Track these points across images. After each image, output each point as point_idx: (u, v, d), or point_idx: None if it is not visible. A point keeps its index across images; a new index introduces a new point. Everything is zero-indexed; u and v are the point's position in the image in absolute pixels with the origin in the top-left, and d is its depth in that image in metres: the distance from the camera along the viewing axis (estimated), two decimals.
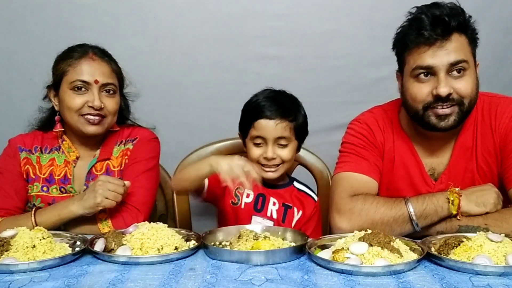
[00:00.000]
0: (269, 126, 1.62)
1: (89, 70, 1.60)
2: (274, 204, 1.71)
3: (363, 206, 1.47)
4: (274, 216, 1.69)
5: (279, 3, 2.26)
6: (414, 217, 1.43)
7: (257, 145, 1.65)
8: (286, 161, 1.66)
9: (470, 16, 1.48)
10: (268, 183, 1.72)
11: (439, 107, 1.45)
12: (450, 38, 1.42)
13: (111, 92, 1.64)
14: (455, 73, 1.44)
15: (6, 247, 1.22)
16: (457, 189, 1.45)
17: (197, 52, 2.28)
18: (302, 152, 1.99)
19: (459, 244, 1.24)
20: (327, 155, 2.01)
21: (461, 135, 1.56)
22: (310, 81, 2.30)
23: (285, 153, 1.65)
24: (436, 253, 1.25)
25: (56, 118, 1.68)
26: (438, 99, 1.44)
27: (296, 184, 1.78)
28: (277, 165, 1.65)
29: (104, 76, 1.62)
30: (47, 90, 1.69)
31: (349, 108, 2.27)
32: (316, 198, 1.77)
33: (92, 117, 1.60)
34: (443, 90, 1.42)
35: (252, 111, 1.66)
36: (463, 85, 1.44)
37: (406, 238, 1.35)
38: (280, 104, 1.65)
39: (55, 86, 1.65)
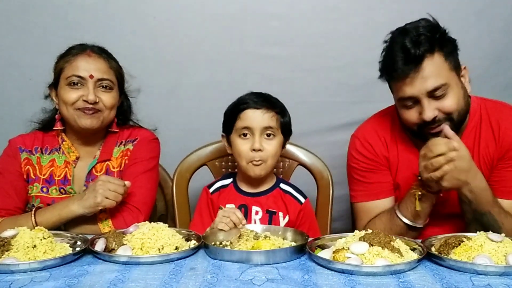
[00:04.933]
0: (256, 116, 1.62)
1: (84, 66, 1.61)
2: (256, 213, 1.69)
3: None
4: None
5: (279, 3, 2.26)
6: (408, 222, 1.52)
7: (244, 136, 1.63)
8: (270, 157, 1.64)
9: (442, 31, 1.49)
10: (250, 192, 1.71)
11: (430, 128, 1.51)
12: (422, 66, 1.45)
13: (107, 87, 1.64)
14: (437, 94, 1.47)
15: (7, 247, 1.22)
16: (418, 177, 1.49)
17: (197, 52, 2.28)
18: (302, 152, 2.00)
19: (459, 244, 1.24)
20: (327, 155, 2.01)
21: (463, 138, 1.58)
22: (310, 81, 2.30)
23: (271, 146, 1.63)
24: (436, 252, 1.25)
25: (57, 116, 1.68)
26: (427, 122, 1.50)
27: (282, 185, 1.74)
28: (261, 161, 1.63)
29: (100, 71, 1.62)
30: (49, 89, 1.70)
31: (349, 108, 2.29)
32: (303, 200, 1.72)
33: (87, 110, 1.60)
34: (428, 116, 1.48)
35: (237, 105, 1.67)
36: (447, 104, 1.48)
37: (406, 238, 1.35)
38: (265, 97, 1.67)
39: (55, 84, 1.66)
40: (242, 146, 1.64)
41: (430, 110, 1.47)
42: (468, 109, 1.56)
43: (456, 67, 1.51)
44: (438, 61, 1.46)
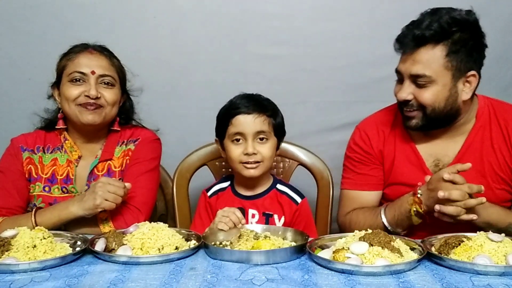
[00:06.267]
0: (247, 121, 1.60)
1: (86, 62, 1.62)
2: (253, 216, 1.68)
3: (354, 221, 1.64)
4: None
5: (279, 3, 2.26)
6: (389, 227, 1.53)
7: (236, 142, 1.62)
8: (266, 158, 1.63)
9: (462, 30, 1.46)
10: (247, 195, 1.71)
11: (404, 110, 1.56)
12: (419, 49, 1.48)
13: (109, 84, 1.64)
14: (418, 82, 1.50)
15: (7, 247, 1.22)
16: (418, 192, 1.48)
17: (197, 52, 2.28)
18: (302, 152, 2.00)
19: (459, 244, 1.24)
20: (327, 155, 2.01)
21: (469, 137, 1.60)
22: (310, 81, 2.30)
23: (265, 149, 1.62)
24: (436, 252, 1.25)
25: (59, 115, 1.68)
26: (402, 102, 1.55)
27: (279, 186, 1.73)
28: (258, 162, 1.62)
29: (102, 68, 1.63)
30: (52, 89, 1.70)
31: (349, 108, 2.29)
32: (299, 200, 1.70)
33: (89, 106, 1.60)
34: (399, 95, 1.54)
35: (228, 110, 1.65)
36: (423, 95, 1.51)
37: (406, 238, 1.35)
38: (256, 100, 1.66)
39: (57, 83, 1.66)
40: (235, 151, 1.63)
41: (405, 92, 1.52)
42: (452, 113, 1.54)
43: (458, 69, 1.49)
44: (437, 54, 1.47)
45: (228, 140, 1.65)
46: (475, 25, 1.49)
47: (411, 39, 1.48)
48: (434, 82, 1.48)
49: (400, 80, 1.56)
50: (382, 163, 1.70)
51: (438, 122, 1.56)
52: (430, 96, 1.50)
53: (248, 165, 1.62)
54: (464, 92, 1.53)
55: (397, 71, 1.56)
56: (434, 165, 1.63)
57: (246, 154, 1.60)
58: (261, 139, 1.62)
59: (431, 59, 1.47)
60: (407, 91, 1.52)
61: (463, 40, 1.47)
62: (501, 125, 1.59)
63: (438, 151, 1.63)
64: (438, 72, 1.48)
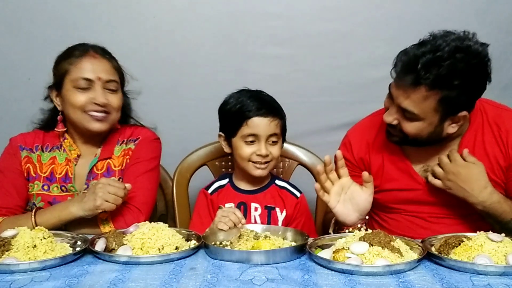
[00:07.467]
0: (263, 124, 1.64)
1: (91, 68, 1.60)
2: (256, 209, 1.71)
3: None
4: (258, 221, 1.69)
5: (279, 3, 2.26)
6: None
7: (249, 143, 1.65)
8: (275, 158, 1.69)
9: (466, 83, 1.38)
10: (247, 190, 1.74)
11: (388, 129, 1.57)
12: (411, 87, 1.40)
13: (114, 89, 1.64)
14: (406, 115, 1.47)
15: (7, 247, 1.22)
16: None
17: (197, 52, 2.28)
18: (302, 152, 2.00)
19: (459, 244, 1.24)
20: (327, 155, 2.01)
21: (463, 140, 1.59)
22: (310, 81, 2.31)
23: (276, 150, 1.68)
24: (436, 252, 1.25)
25: (59, 118, 1.67)
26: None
27: (277, 181, 1.77)
28: (268, 162, 1.67)
29: (106, 73, 1.62)
30: (49, 90, 1.68)
31: (349, 108, 2.29)
32: (298, 194, 1.75)
33: (96, 113, 1.60)
34: (385, 118, 1.53)
35: (242, 110, 1.66)
36: (407, 127, 1.50)
37: (406, 238, 1.35)
38: (269, 103, 1.69)
39: (57, 86, 1.64)
40: (247, 149, 1.66)
41: (390, 116, 1.51)
42: (436, 140, 1.54)
43: (448, 112, 1.45)
44: (430, 98, 1.41)
45: (240, 139, 1.67)
46: (482, 66, 1.41)
47: (408, 73, 1.40)
48: (421, 119, 1.46)
49: (391, 97, 1.51)
50: (364, 170, 1.62)
51: (420, 144, 1.56)
52: (414, 129, 1.49)
53: (258, 165, 1.66)
54: (451, 127, 1.51)
55: (389, 91, 1.51)
56: (423, 170, 1.62)
57: (259, 155, 1.64)
58: (273, 141, 1.66)
59: (423, 101, 1.42)
60: (394, 117, 1.50)
61: (462, 84, 1.39)
62: (494, 130, 1.58)
63: (427, 156, 1.62)
64: (427, 113, 1.45)
